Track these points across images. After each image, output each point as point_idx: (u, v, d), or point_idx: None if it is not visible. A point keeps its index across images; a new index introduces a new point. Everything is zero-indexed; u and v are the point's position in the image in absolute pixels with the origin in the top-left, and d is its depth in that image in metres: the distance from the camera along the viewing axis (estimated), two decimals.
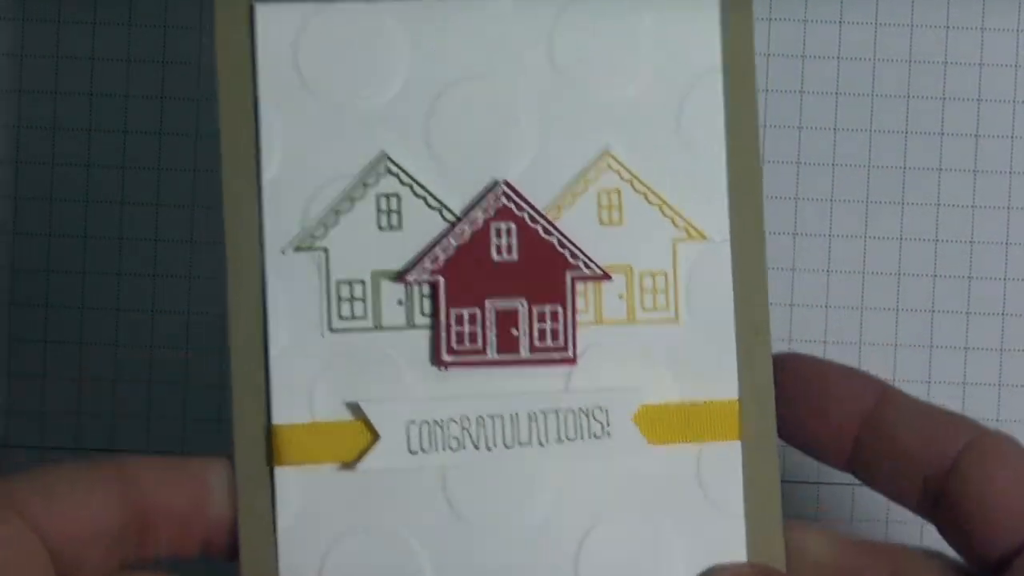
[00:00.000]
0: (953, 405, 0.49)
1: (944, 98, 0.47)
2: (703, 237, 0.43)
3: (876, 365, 0.48)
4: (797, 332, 0.49)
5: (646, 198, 0.43)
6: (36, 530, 0.38)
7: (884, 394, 0.41)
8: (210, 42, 0.43)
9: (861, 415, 0.41)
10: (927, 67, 0.47)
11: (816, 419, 0.41)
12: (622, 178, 0.43)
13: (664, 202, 0.43)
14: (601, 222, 0.43)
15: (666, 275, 0.43)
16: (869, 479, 0.41)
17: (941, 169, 0.47)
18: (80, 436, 0.49)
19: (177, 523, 0.41)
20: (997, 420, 0.48)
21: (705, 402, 0.43)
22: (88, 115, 0.48)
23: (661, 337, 0.43)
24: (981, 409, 0.48)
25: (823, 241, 0.49)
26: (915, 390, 0.49)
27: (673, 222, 0.43)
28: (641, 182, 0.43)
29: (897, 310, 0.47)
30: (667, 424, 0.43)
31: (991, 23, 0.47)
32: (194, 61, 0.49)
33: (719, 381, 0.43)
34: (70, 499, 0.40)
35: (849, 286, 0.48)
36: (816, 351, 0.49)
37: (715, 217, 0.43)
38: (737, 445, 0.43)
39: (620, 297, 0.43)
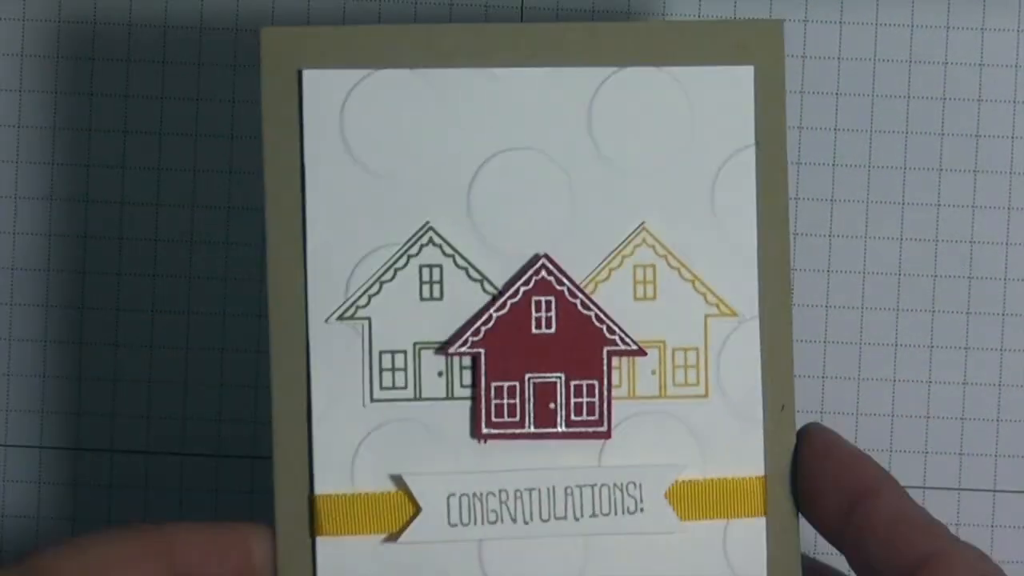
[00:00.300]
0: (953, 405, 0.49)
1: (944, 98, 0.47)
2: (734, 314, 0.43)
3: (876, 365, 0.48)
4: (798, 332, 0.49)
5: (680, 273, 0.43)
6: None
7: (880, 489, 0.41)
8: (213, 42, 0.42)
9: (851, 504, 0.41)
10: (927, 67, 0.47)
11: (814, 493, 0.42)
12: (657, 253, 0.43)
13: (697, 278, 0.43)
14: (636, 297, 0.43)
15: (697, 351, 0.43)
16: (848, 560, 0.41)
17: (941, 169, 0.47)
18: (80, 436, 0.49)
19: None
20: (997, 420, 0.48)
21: (733, 478, 0.44)
22: (88, 115, 0.48)
23: (691, 413, 0.43)
24: (981, 409, 0.48)
25: (823, 241, 0.50)
26: (915, 390, 0.49)
27: (705, 298, 0.43)
28: (675, 257, 0.43)
29: (897, 310, 0.47)
30: (697, 500, 0.43)
31: (991, 23, 0.47)
32: (195, 62, 0.49)
33: (746, 457, 0.43)
34: (115, 574, 0.40)
35: (849, 287, 0.48)
36: (816, 351, 0.49)
37: (745, 294, 0.43)
38: (762, 521, 0.44)
39: (653, 373, 0.43)
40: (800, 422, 0.48)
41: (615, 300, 0.43)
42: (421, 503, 0.42)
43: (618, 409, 0.43)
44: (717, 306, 0.43)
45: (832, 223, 0.48)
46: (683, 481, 0.43)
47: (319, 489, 0.43)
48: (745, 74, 0.43)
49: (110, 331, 0.48)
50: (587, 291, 0.43)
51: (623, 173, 0.43)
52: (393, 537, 0.42)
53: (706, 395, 0.43)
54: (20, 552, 0.49)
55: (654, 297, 0.43)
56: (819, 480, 0.42)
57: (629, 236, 0.43)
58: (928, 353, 0.47)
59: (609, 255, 0.43)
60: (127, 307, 0.48)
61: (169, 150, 0.48)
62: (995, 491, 0.47)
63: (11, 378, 0.48)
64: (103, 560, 0.40)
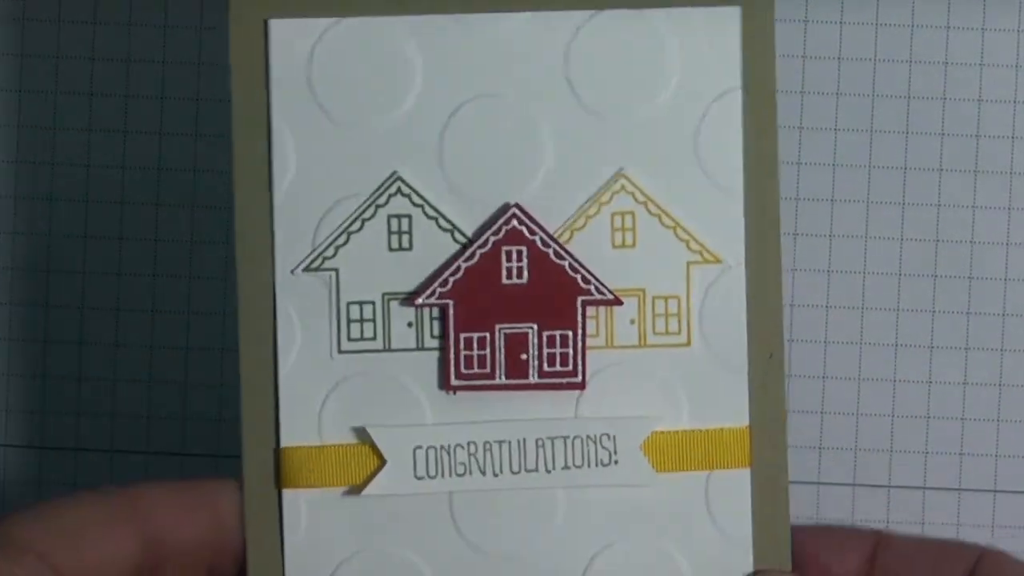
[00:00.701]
0: (953, 405, 0.49)
1: (944, 98, 0.47)
2: (718, 261, 0.42)
3: (876, 365, 0.48)
4: (798, 332, 0.49)
5: (660, 220, 0.42)
6: (54, 570, 0.38)
7: (879, 542, 0.41)
8: (212, 41, 0.42)
9: (860, 569, 0.41)
10: (927, 67, 0.47)
11: None
12: (636, 200, 0.42)
13: (678, 224, 0.42)
14: (614, 245, 0.42)
15: (679, 299, 0.43)
16: None
17: (941, 169, 0.47)
18: (80, 436, 0.49)
19: (189, 553, 0.41)
20: (997, 420, 0.48)
21: (716, 429, 0.43)
22: (88, 115, 0.48)
23: (672, 362, 0.42)
24: (981, 409, 0.48)
25: (823, 241, 0.49)
26: (915, 390, 0.49)
27: (687, 245, 0.43)
28: (656, 204, 0.42)
29: (897, 310, 0.47)
30: (676, 452, 0.42)
31: (991, 23, 0.47)
32: (194, 61, 0.49)
33: (730, 407, 0.42)
34: (87, 538, 0.40)
35: (849, 286, 0.48)
36: (816, 351, 0.49)
37: (731, 241, 0.42)
38: (747, 472, 0.43)
39: (632, 322, 0.43)
40: (800, 422, 0.48)
41: (592, 249, 0.42)
42: (386, 455, 0.42)
43: (595, 359, 0.42)
44: (700, 253, 0.42)
45: (832, 223, 0.48)
46: (662, 432, 0.42)
47: (285, 441, 0.42)
48: (731, 15, 0.42)
49: (110, 331, 0.48)
50: (562, 240, 0.42)
51: (601, 119, 0.42)
52: (358, 489, 0.42)
53: (688, 344, 0.43)
54: None
55: (633, 245, 0.42)
56: (814, 569, 0.42)
57: (607, 183, 0.42)
58: (928, 353, 0.47)
59: (586, 202, 0.42)
60: (127, 307, 0.48)
61: (169, 150, 0.48)
62: (995, 491, 0.47)
63: (11, 378, 0.48)
64: (74, 524, 0.40)
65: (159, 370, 0.48)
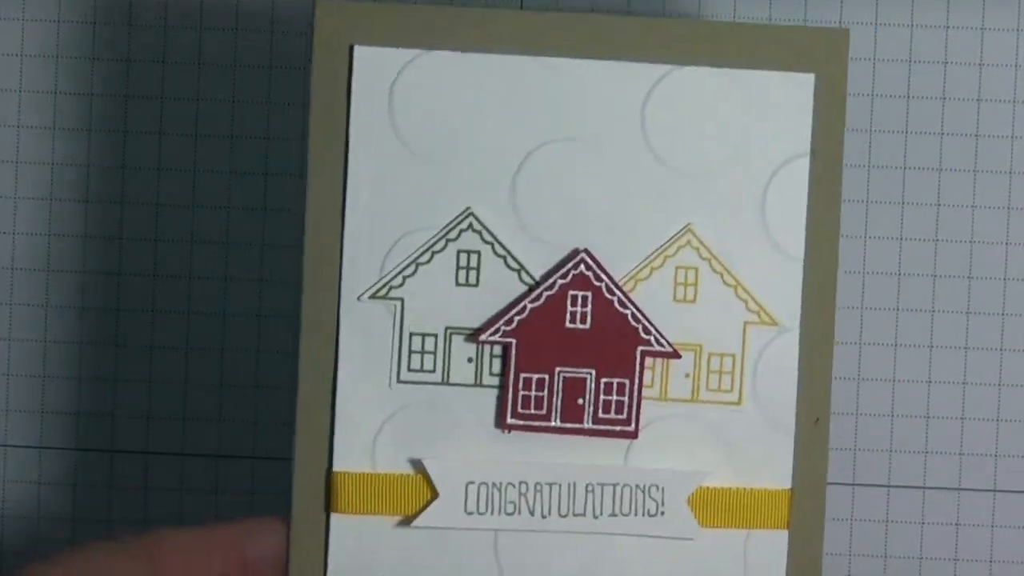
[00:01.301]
0: (953, 405, 0.49)
1: (944, 98, 0.47)
2: (774, 323, 0.43)
3: (876, 365, 0.48)
4: None
5: (722, 278, 0.43)
6: None
7: None
8: (212, 41, 0.42)
9: None
10: (927, 67, 0.47)
11: None
12: (700, 256, 0.43)
13: (739, 284, 0.43)
14: (675, 299, 0.43)
15: (734, 357, 0.43)
16: None
17: (941, 169, 0.47)
18: (80, 436, 0.49)
19: None
20: (997, 420, 0.48)
21: (759, 489, 0.43)
22: (88, 116, 0.48)
23: (722, 419, 0.43)
24: (981, 409, 0.48)
25: None
26: (915, 390, 0.49)
27: (746, 305, 0.43)
28: (719, 261, 0.43)
29: (897, 310, 0.47)
30: (719, 508, 0.43)
31: (991, 23, 0.47)
32: (194, 62, 0.49)
33: (774, 468, 0.43)
34: None
35: (849, 286, 0.48)
36: None
37: (788, 303, 0.43)
38: (784, 534, 0.43)
39: (687, 376, 0.43)
40: None
41: (654, 300, 0.43)
42: (439, 488, 0.42)
43: (648, 410, 0.43)
44: (758, 314, 0.43)
45: None
46: (707, 488, 0.43)
47: (338, 466, 0.43)
48: (806, 81, 0.43)
49: (110, 331, 0.48)
50: (626, 288, 0.43)
51: (673, 172, 0.43)
52: (408, 520, 0.42)
53: (739, 403, 0.43)
54: (21, 552, 0.49)
55: (694, 300, 0.43)
56: None
57: (674, 236, 0.43)
58: (928, 353, 0.47)
59: (652, 254, 0.43)
60: (127, 307, 0.48)
61: (169, 150, 0.48)
62: (995, 491, 0.47)
63: (11, 378, 0.48)
64: (94, 571, 0.40)
65: (159, 370, 0.48)
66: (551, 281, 0.42)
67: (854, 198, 0.48)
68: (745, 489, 0.43)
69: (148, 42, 0.48)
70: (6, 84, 0.48)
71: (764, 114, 0.43)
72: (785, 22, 0.48)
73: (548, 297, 0.43)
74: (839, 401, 0.48)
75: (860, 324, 0.49)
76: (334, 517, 0.43)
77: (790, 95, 0.43)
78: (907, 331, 0.48)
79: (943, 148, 0.47)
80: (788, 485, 0.43)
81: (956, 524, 0.48)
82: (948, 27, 0.47)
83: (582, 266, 0.42)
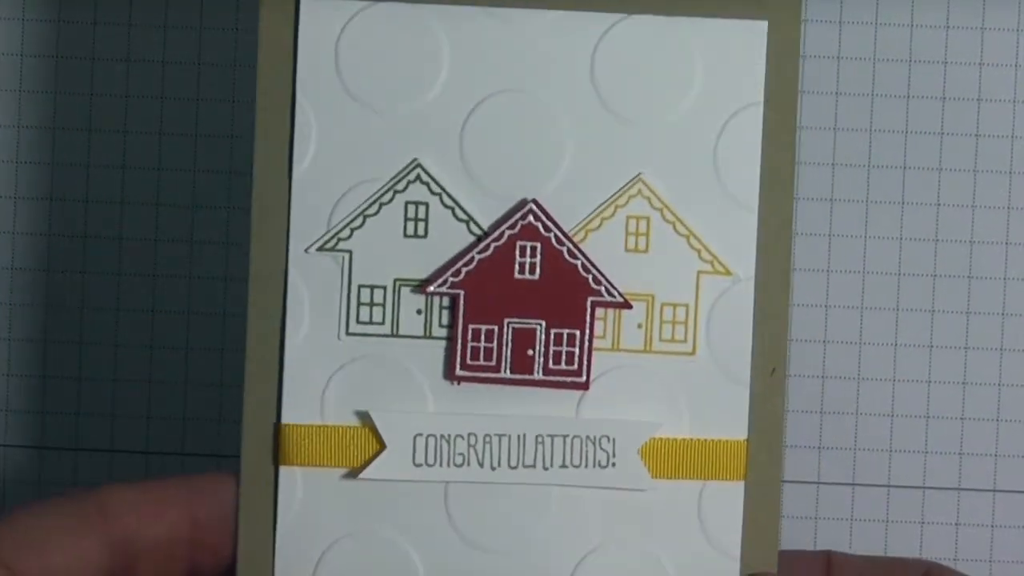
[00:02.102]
0: (953, 405, 0.49)
1: (944, 98, 0.47)
2: (728, 272, 0.43)
3: (876, 365, 0.48)
4: (797, 332, 0.49)
5: (674, 228, 0.43)
6: None
7: (829, 563, 0.41)
8: (213, 42, 0.42)
9: None
10: (927, 67, 0.47)
11: None
12: (652, 206, 0.43)
13: (692, 233, 0.43)
14: (627, 248, 0.43)
15: (687, 307, 0.43)
16: None
17: (941, 169, 0.47)
18: (80, 436, 0.49)
19: (163, 552, 0.41)
20: (997, 420, 0.48)
21: (714, 440, 0.43)
22: (88, 115, 0.48)
23: (676, 370, 0.43)
24: (981, 409, 0.48)
25: (823, 241, 0.50)
26: (915, 390, 0.49)
27: (699, 254, 0.43)
28: (671, 211, 0.43)
29: (897, 310, 0.47)
30: (673, 459, 0.43)
31: (991, 23, 0.47)
32: (194, 61, 0.49)
33: (729, 419, 0.43)
34: (51, 543, 0.40)
35: (849, 286, 0.48)
36: (816, 350, 0.49)
37: (742, 253, 0.43)
38: (740, 485, 0.43)
39: (639, 326, 0.43)
40: (799, 421, 0.48)
41: (605, 250, 0.43)
42: (386, 440, 0.42)
43: (600, 360, 0.43)
44: (711, 263, 0.43)
45: (832, 223, 0.48)
46: (661, 438, 0.43)
47: (286, 418, 0.43)
48: (758, 28, 0.43)
49: (110, 331, 0.48)
50: (577, 239, 0.42)
51: (623, 122, 0.43)
52: (356, 472, 0.42)
53: (693, 353, 0.43)
54: None
55: (646, 250, 0.43)
56: None
57: (624, 186, 0.43)
58: (928, 353, 0.47)
59: (602, 204, 0.43)
60: (127, 307, 0.48)
61: (169, 150, 0.48)
62: (995, 491, 0.47)
63: (11, 378, 0.48)
64: (38, 531, 0.40)
65: (159, 370, 0.48)
66: (499, 232, 0.42)
67: (854, 198, 0.48)
68: (700, 440, 0.43)
69: (148, 42, 0.48)
70: (6, 84, 0.48)
71: (716, 62, 0.43)
72: None
73: (496, 248, 0.42)
74: (839, 401, 0.48)
75: (860, 324, 0.49)
76: (283, 470, 0.43)
77: (742, 42, 0.42)
78: (907, 331, 0.48)
79: (943, 148, 0.47)
80: (744, 436, 0.43)
81: (956, 524, 0.48)
82: (948, 27, 0.47)
83: (530, 216, 0.42)
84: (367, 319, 0.43)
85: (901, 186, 0.48)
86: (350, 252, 0.42)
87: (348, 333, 0.43)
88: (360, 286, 0.43)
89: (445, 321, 0.43)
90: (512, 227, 0.42)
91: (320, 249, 0.43)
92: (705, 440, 0.43)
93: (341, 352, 0.43)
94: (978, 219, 0.48)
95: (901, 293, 0.47)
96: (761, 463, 0.43)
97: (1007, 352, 0.47)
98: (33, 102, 0.49)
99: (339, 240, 0.43)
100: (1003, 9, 0.48)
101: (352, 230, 0.42)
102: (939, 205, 0.48)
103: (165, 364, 0.49)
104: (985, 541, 0.49)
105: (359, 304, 0.43)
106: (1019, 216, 0.47)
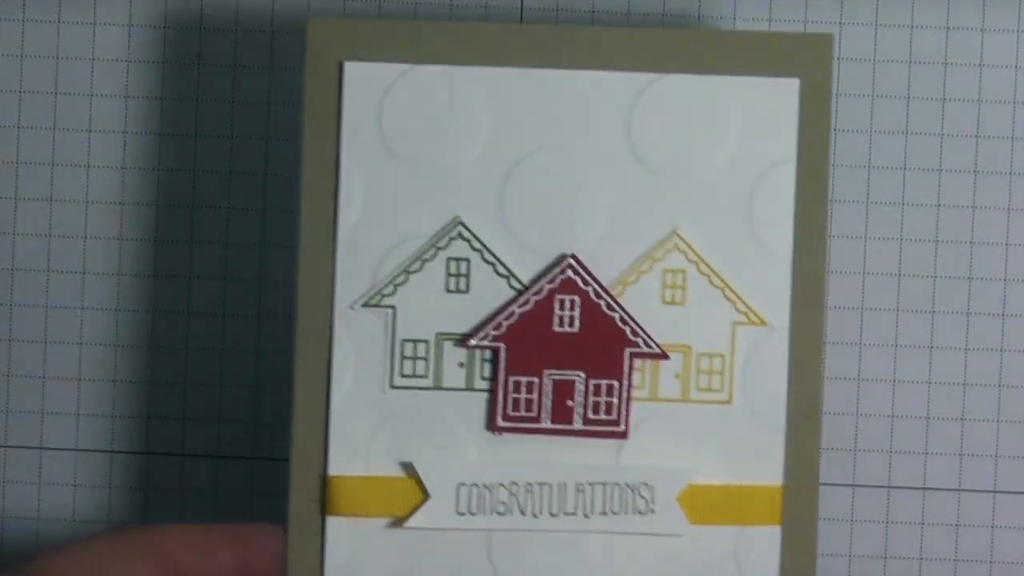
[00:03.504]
0: (953, 405, 0.49)
1: (944, 98, 0.47)
2: (763, 322, 0.45)
3: (876, 365, 0.48)
4: None
5: (710, 280, 0.44)
6: None
7: None
8: (212, 42, 0.42)
9: None
10: (927, 67, 0.48)
11: None
12: (688, 259, 0.44)
13: (727, 285, 0.44)
14: (664, 301, 0.44)
15: (723, 357, 0.44)
16: None
17: (941, 170, 0.48)
18: (80, 437, 0.49)
19: None
20: (997, 420, 0.48)
21: (750, 486, 0.45)
22: (88, 115, 0.49)
23: (713, 418, 0.44)
24: (981, 409, 0.48)
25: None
26: (915, 391, 0.49)
27: (735, 306, 0.44)
28: (706, 264, 0.44)
29: (897, 310, 0.47)
30: (710, 504, 0.44)
31: (991, 23, 0.47)
32: (194, 62, 0.49)
33: (766, 465, 0.45)
34: (111, 572, 0.42)
35: (849, 287, 0.48)
36: None
37: (777, 303, 0.44)
38: (777, 530, 0.45)
39: (676, 376, 0.44)
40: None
41: (642, 303, 0.44)
42: (430, 490, 0.44)
43: (639, 410, 0.44)
44: (746, 314, 0.44)
45: (832, 223, 0.48)
46: (698, 485, 0.44)
47: (333, 470, 0.44)
48: (790, 86, 0.44)
49: (110, 331, 0.48)
50: (615, 293, 0.44)
51: (659, 178, 0.44)
52: (400, 521, 0.44)
53: (729, 401, 0.45)
54: (21, 552, 0.49)
55: (683, 302, 0.44)
56: None
57: (661, 240, 0.44)
58: (928, 353, 0.47)
59: (639, 258, 0.44)
60: (127, 307, 0.48)
61: (169, 150, 0.48)
62: (995, 491, 0.48)
63: (11, 378, 0.49)
64: (101, 559, 0.42)
65: (159, 370, 0.48)
66: (539, 286, 0.44)
67: (854, 198, 0.48)
68: (737, 486, 0.44)
69: (149, 43, 0.48)
70: (6, 84, 0.48)
71: (750, 119, 0.44)
72: (785, 22, 0.49)
73: (536, 302, 0.44)
74: (839, 401, 0.49)
75: (860, 324, 0.49)
76: (330, 520, 0.44)
77: (775, 99, 0.44)
78: (907, 331, 0.48)
79: (943, 148, 0.47)
80: (780, 481, 0.44)
81: (956, 525, 0.48)
82: (948, 28, 0.47)
83: (569, 271, 0.44)
84: (411, 372, 0.44)
85: (901, 186, 0.48)
86: (394, 308, 0.44)
87: (392, 386, 0.44)
88: (404, 340, 0.44)
89: (487, 373, 0.44)
90: (551, 281, 0.44)
91: (365, 305, 0.44)
92: (742, 486, 0.44)
93: (386, 405, 0.44)
94: (978, 219, 0.48)
95: (901, 293, 0.47)
96: (797, 507, 0.44)
97: (1007, 352, 0.47)
98: (33, 103, 0.49)
99: (383, 296, 0.44)
100: (1003, 9, 0.48)
101: (396, 286, 0.44)
102: (939, 206, 0.48)
103: (165, 364, 0.49)
104: (985, 542, 0.49)
105: (403, 358, 0.44)
106: (1019, 216, 0.47)
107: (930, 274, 0.49)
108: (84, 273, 0.50)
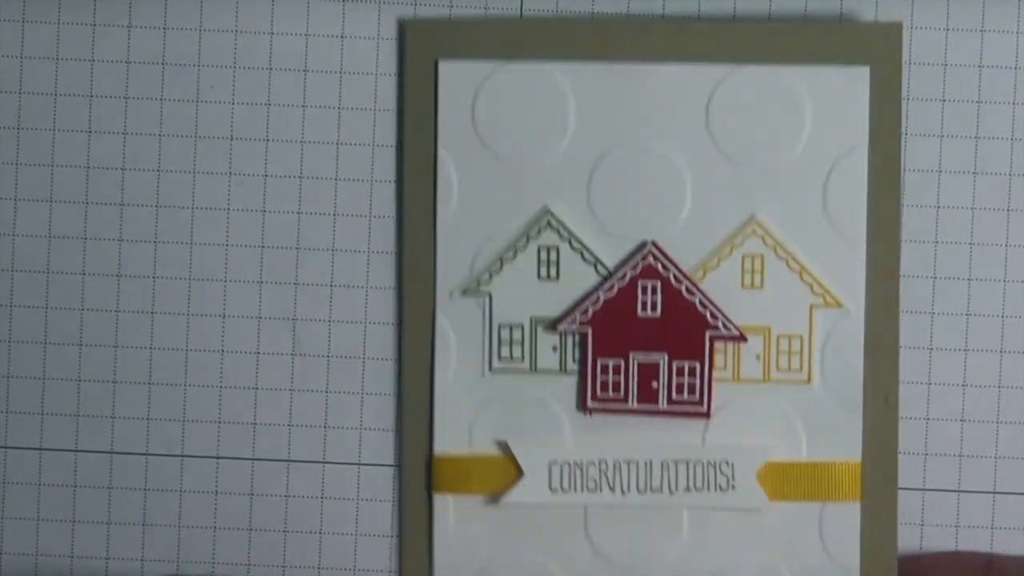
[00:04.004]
0: (953, 406, 0.49)
1: (944, 99, 0.47)
2: (839, 305, 0.48)
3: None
4: None
5: (787, 264, 0.48)
6: None
7: (989, 567, 0.43)
8: (213, 42, 0.43)
9: None
10: (926, 68, 0.47)
11: None
12: (766, 244, 0.48)
13: (804, 269, 0.48)
14: (743, 285, 0.48)
15: (802, 338, 0.48)
16: None
17: (941, 171, 0.47)
18: (80, 436, 0.49)
19: None
20: (997, 422, 0.48)
21: (830, 462, 0.48)
22: (88, 116, 0.49)
23: (793, 398, 0.48)
24: (981, 410, 0.48)
25: None
26: (915, 391, 0.49)
27: (812, 288, 0.48)
28: (784, 248, 0.48)
29: (897, 311, 0.47)
30: (792, 481, 0.48)
31: (991, 24, 0.47)
32: (194, 63, 0.49)
33: (845, 443, 0.48)
34: None
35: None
36: None
37: (852, 287, 0.48)
38: (857, 506, 0.48)
39: (757, 357, 0.48)
40: None
41: (723, 287, 0.48)
42: (524, 468, 0.48)
43: (722, 391, 0.48)
44: (823, 297, 0.48)
45: None
46: (778, 462, 0.48)
47: (438, 450, 0.48)
48: (861, 74, 0.48)
49: (110, 332, 0.49)
50: (696, 278, 0.48)
51: (737, 166, 0.48)
52: (498, 498, 0.48)
53: (809, 381, 0.48)
54: (21, 553, 0.49)
55: (761, 286, 0.48)
56: None
57: (740, 227, 0.48)
58: (928, 354, 0.47)
59: (719, 244, 0.48)
60: (127, 308, 0.49)
61: (169, 150, 0.48)
62: (995, 492, 0.48)
63: (11, 379, 0.49)
64: None
65: (159, 371, 0.48)
66: (622, 272, 0.48)
67: None
68: (817, 463, 0.48)
69: (148, 44, 0.48)
70: (6, 85, 0.48)
71: (822, 107, 0.48)
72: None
73: (620, 288, 0.48)
74: None
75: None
76: (436, 496, 0.48)
77: (847, 87, 0.48)
78: (907, 332, 0.48)
79: (943, 149, 0.47)
80: (859, 458, 0.48)
81: (956, 525, 0.48)
82: (948, 29, 0.47)
83: (650, 257, 0.48)
84: (508, 356, 0.48)
85: (900, 186, 0.48)
86: (490, 294, 0.48)
87: (491, 370, 0.48)
88: (500, 325, 0.48)
89: (578, 356, 0.48)
90: (634, 268, 0.48)
91: (463, 293, 0.48)
92: (822, 463, 0.48)
93: (485, 387, 0.49)
94: (978, 219, 0.48)
95: (901, 293, 0.47)
96: (877, 484, 0.48)
97: (1007, 353, 0.47)
98: (33, 103, 0.49)
99: (480, 284, 0.48)
100: (1003, 10, 0.48)
101: (491, 274, 0.48)
102: (939, 207, 0.48)
103: (165, 365, 0.49)
104: (985, 542, 0.49)
105: (499, 343, 0.48)
106: (1019, 216, 0.47)
107: (930, 275, 0.49)
108: (84, 273, 0.50)
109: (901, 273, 0.49)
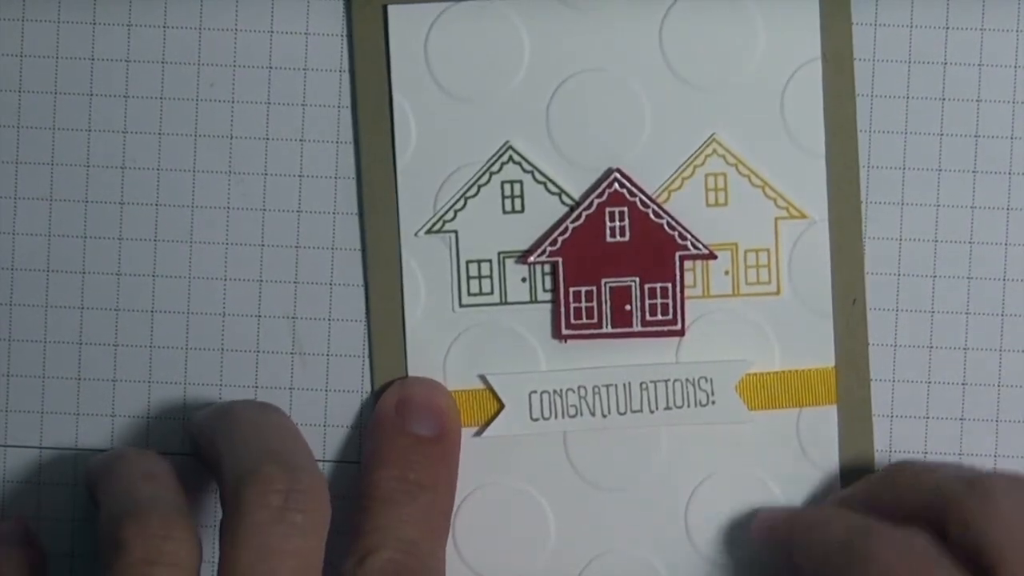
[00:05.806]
0: (953, 405, 0.49)
1: (944, 99, 0.48)
2: (804, 216, 0.49)
3: (876, 365, 0.48)
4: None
5: (750, 180, 0.49)
6: None
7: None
8: (212, 42, 0.43)
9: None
10: (927, 67, 0.48)
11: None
12: (727, 162, 0.49)
13: (767, 184, 0.49)
14: (708, 203, 0.49)
15: (769, 251, 0.49)
16: None
17: (941, 170, 0.48)
18: (80, 436, 0.49)
19: None
20: (996, 421, 0.48)
21: (804, 370, 0.49)
22: (88, 115, 0.49)
23: (764, 309, 0.50)
24: (981, 410, 0.48)
25: None
26: (915, 391, 0.49)
27: (775, 202, 0.49)
28: (745, 165, 0.49)
29: (897, 310, 0.47)
30: (769, 391, 0.49)
31: (991, 23, 0.48)
32: (194, 62, 0.49)
33: (818, 350, 0.50)
34: None
35: None
36: None
37: (815, 198, 0.49)
38: (833, 408, 0.49)
39: (726, 273, 0.49)
40: None
41: (688, 207, 0.50)
42: (504, 400, 0.49)
43: (693, 308, 0.50)
44: (787, 209, 0.49)
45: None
46: (755, 374, 0.49)
47: None
48: None
49: (110, 331, 0.49)
50: (661, 200, 0.49)
51: (694, 88, 0.49)
52: (480, 431, 0.49)
53: (778, 293, 0.49)
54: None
55: (726, 203, 0.49)
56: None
57: (700, 147, 0.49)
58: (928, 353, 0.47)
59: (681, 165, 0.49)
60: (127, 307, 0.49)
61: (169, 150, 0.48)
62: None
63: (11, 378, 0.49)
64: None
65: (159, 370, 0.49)
66: (589, 201, 0.49)
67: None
68: (792, 371, 0.49)
69: (148, 43, 0.48)
70: (5, 84, 0.48)
71: (774, 24, 0.49)
72: None
73: (587, 216, 0.49)
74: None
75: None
76: None
77: (797, 4, 0.48)
78: (907, 331, 0.48)
79: (943, 148, 0.47)
80: (832, 363, 0.49)
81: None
82: (948, 28, 0.47)
83: (615, 184, 0.49)
84: (477, 291, 0.49)
85: (901, 186, 0.49)
86: (456, 232, 0.49)
87: (461, 305, 0.49)
88: (468, 261, 0.49)
89: (548, 286, 0.49)
90: (600, 195, 0.49)
91: (428, 231, 0.49)
92: (796, 371, 0.49)
93: (456, 323, 0.49)
94: (978, 219, 0.48)
95: (901, 293, 0.47)
96: (851, 386, 0.50)
97: (1006, 352, 0.47)
98: (33, 102, 0.49)
99: (445, 222, 0.49)
100: (1003, 9, 0.49)
101: (456, 212, 0.49)
102: (939, 206, 0.48)
103: (165, 364, 0.49)
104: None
105: (468, 278, 0.49)
106: (1019, 216, 0.48)
107: (930, 274, 0.49)
108: (84, 273, 0.50)
109: (862, 183, 0.50)
